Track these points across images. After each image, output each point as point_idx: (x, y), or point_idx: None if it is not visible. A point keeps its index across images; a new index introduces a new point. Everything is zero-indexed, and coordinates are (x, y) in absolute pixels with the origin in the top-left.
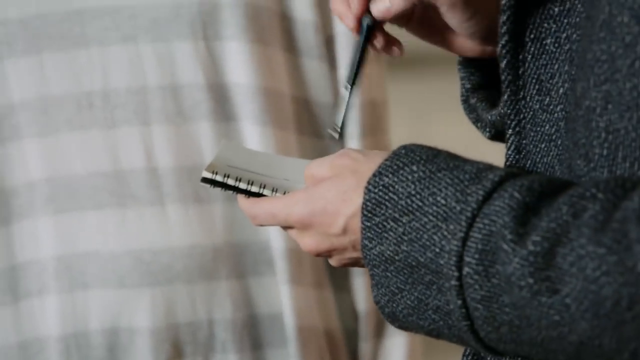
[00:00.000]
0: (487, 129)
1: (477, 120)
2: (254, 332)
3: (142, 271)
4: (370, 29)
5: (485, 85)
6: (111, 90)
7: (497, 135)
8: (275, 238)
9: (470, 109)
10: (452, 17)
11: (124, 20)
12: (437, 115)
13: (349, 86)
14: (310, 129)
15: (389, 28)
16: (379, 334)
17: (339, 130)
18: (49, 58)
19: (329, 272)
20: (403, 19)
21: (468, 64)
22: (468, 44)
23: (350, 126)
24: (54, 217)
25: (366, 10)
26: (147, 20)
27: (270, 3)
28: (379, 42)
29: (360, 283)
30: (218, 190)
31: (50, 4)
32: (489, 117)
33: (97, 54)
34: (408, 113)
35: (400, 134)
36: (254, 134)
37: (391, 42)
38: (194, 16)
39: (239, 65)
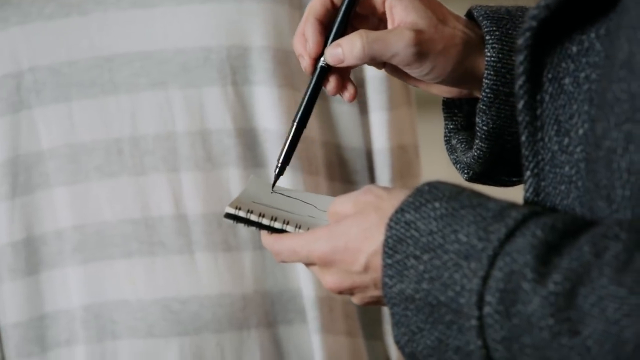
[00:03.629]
0: (465, 171)
1: (456, 162)
2: None
3: (171, 320)
4: (323, 71)
5: (466, 126)
6: (140, 137)
7: (475, 176)
8: (306, 286)
9: (451, 150)
10: (412, 72)
11: (153, 66)
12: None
13: (294, 124)
14: (340, 175)
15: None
16: None
17: (278, 166)
18: (78, 105)
19: (361, 320)
20: (376, 65)
21: (451, 104)
22: (442, 88)
23: (379, 171)
24: (83, 266)
25: (321, 52)
26: (177, 65)
27: None
28: (330, 84)
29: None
30: (247, 238)
31: (80, 51)
32: (465, 159)
33: (126, 100)
34: (445, 156)
35: (437, 176)
36: (284, 180)
37: (345, 86)
38: (223, 61)
39: (268, 111)
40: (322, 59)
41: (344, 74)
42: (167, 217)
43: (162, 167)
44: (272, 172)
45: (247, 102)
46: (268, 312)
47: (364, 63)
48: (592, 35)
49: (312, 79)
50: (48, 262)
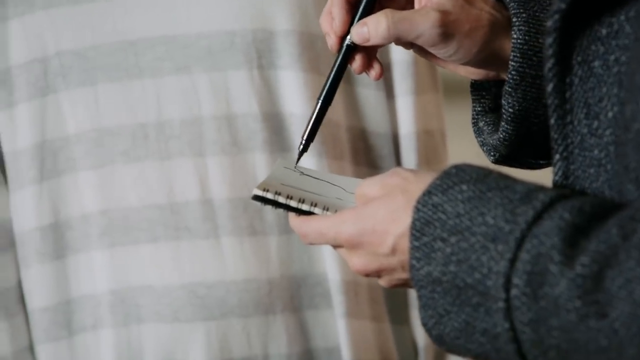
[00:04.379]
0: (492, 153)
1: (483, 144)
2: None
3: (197, 305)
4: (349, 49)
5: (493, 108)
6: (165, 122)
7: (501, 159)
8: (331, 270)
9: (478, 132)
10: (437, 53)
11: (178, 50)
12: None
13: (319, 102)
14: (366, 159)
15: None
16: None
17: (302, 143)
18: (104, 89)
19: (387, 305)
20: (404, 45)
21: (479, 86)
22: (469, 69)
23: (405, 156)
24: (109, 250)
25: (347, 30)
26: (201, 49)
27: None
28: (356, 62)
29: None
30: (273, 222)
31: (104, 35)
32: (492, 141)
33: (151, 84)
34: (474, 142)
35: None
36: (309, 165)
37: (371, 65)
38: (249, 45)
39: (294, 95)
40: (348, 37)
41: (371, 54)
42: (193, 202)
43: (187, 151)
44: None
45: (273, 86)
46: (294, 297)
47: (390, 42)
48: (622, 17)
49: (337, 57)
50: (74, 246)
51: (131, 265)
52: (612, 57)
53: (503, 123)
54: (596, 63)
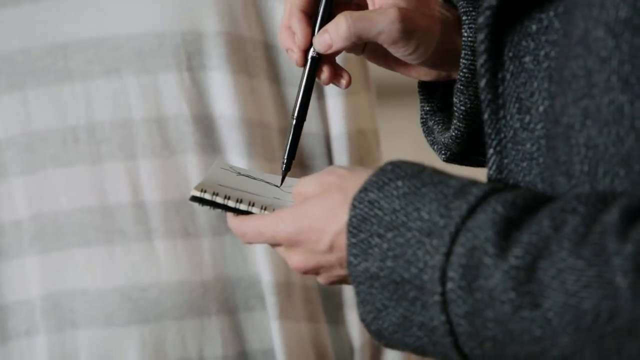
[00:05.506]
0: (443, 152)
1: (433, 143)
2: None
3: (131, 308)
4: (315, 61)
5: (443, 108)
6: (96, 125)
7: (452, 157)
8: (264, 271)
9: (428, 131)
10: (396, 52)
11: (108, 53)
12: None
13: (293, 119)
14: (298, 160)
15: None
16: None
17: (284, 163)
18: (33, 94)
19: (322, 305)
20: (355, 50)
21: (427, 87)
22: (422, 70)
23: (337, 156)
24: (41, 256)
25: (310, 43)
26: (131, 51)
27: (255, 33)
28: (324, 74)
29: (354, 315)
30: (206, 224)
31: (33, 39)
32: (443, 140)
33: (81, 88)
34: (409, 142)
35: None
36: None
37: (339, 74)
38: (178, 47)
39: (223, 97)
40: (311, 49)
41: (333, 62)
42: (125, 205)
43: (119, 154)
44: (229, 157)
45: (203, 88)
46: (228, 299)
47: (351, 43)
48: (552, 13)
49: (304, 71)
50: (6, 252)
51: (64, 270)
52: (542, 53)
53: (455, 121)
54: (527, 58)
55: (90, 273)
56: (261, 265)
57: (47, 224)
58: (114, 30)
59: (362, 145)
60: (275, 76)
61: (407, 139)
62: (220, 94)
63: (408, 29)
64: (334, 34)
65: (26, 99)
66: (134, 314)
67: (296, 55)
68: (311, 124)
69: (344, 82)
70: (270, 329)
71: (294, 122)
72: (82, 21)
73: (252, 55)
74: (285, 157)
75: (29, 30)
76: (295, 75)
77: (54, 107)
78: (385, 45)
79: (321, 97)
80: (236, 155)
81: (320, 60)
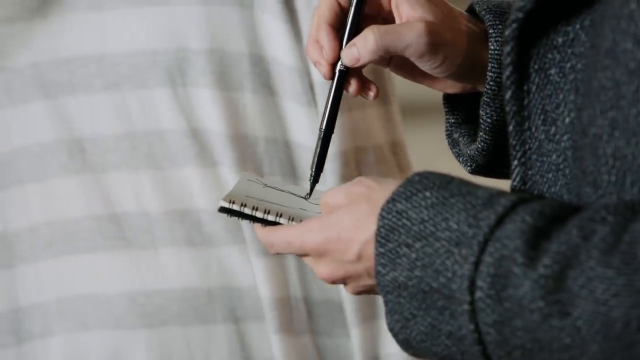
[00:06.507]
0: (469, 163)
1: (459, 155)
2: None
3: (137, 313)
4: (342, 74)
5: (468, 120)
6: (100, 136)
7: (478, 169)
8: (262, 288)
9: (453, 144)
10: (423, 65)
11: (108, 68)
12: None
13: (321, 131)
14: (290, 172)
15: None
16: None
17: (312, 175)
18: (42, 105)
19: (327, 320)
20: (382, 62)
21: (452, 99)
22: (448, 83)
23: (366, 168)
24: (54, 260)
25: (338, 56)
26: (128, 67)
27: (242, 47)
28: (352, 87)
29: (359, 331)
30: (212, 233)
31: (42, 53)
32: (469, 152)
33: (85, 101)
34: (418, 160)
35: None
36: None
37: (366, 86)
38: (170, 63)
39: (211, 113)
40: (339, 63)
41: (360, 74)
42: (130, 214)
43: (122, 165)
44: (224, 171)
45: (194, 103)
46: (235, 308)
47: (378, 57)
48: (577, 26)
49: (332, 84)
50: (23, 257)
51: (74, 275)
52: (568, 65)
53: (481, 133)
54: (553, 70)
55: (98, 277)
56: (259, 281)
57: (59, 230)
58: (113, 46)
59: (391, 156)
60: (265, 89)
61: (418, 156)
62: (208, 110)
63: (435, 42)
64: (361, 47)
65: (36, 110)
66: (140, 318)
67: (324, 68)
68: (303, 134)
69: (371, 94)
70: (269, 341)
71: (322, 134)
72: (86, 37)
73: (239, 70)
74: (314, 170)
75: (39, 45)
76: (288, 88)
77: (60, 119)
78: (412, 59)
79: (348, 109)
80: (228, 168)
81: (347, 73)
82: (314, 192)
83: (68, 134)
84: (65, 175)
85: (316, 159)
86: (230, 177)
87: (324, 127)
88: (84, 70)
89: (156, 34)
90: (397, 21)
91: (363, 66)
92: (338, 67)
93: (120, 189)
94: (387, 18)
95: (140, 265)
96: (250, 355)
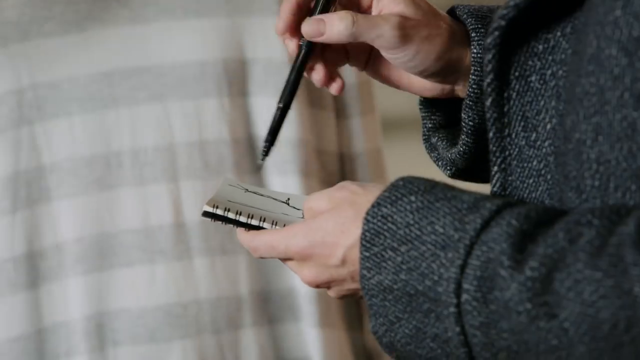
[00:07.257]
0: (448, 167)
1: (438, 159)
2: None
3: (173, 324)
4: (306, 50)
5: (445, 124)
6: (139, 149)
7: (457, 173)
8: (300, 283)
9: (431, 148)
10: (394, 58)
11: (152, 80)
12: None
13: (279, 106)
14: (318, 178)
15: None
16: None
17: (265, 149)
18: (79, 119)
19: (361, 314)
20: (359, 62)
21: (429, 103)
22: (426, 84)
23: (359, 174)
24: (84, 277)
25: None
26: (175, 79)
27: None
28: (318, 74)
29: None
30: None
31: (80, 67)
32: (449, 155)
33: (126, 113)
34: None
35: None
36: (277, 184)
37: (332, 78)
38: (220, 74)
39: (262, 120)
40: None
41: (332, 68)
42: (167, 226)
43: (161, 177)
44: (265, 176)
45: (243, 112)
46: (264, 311)
47: (347, 40)
48: (558, 33)
49: (296, 58)
50: (47, 275)
51: (107, 291)
52: (549, 72)
53: (463, 136)
54: (533, 77)
55: (133, 292)
56: (296, 277)
57: (90, 245)
58: (158, 58)
59: (379, 163)
60: (312, 99)
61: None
62: (259, 117)
63: (407, 34)
64: (335, 26)
65: (72, 124)
66: (176, 329)
67: (292, 45)
68: (330, 142)
69: (335, 86)
70: (305, 338)
71: (279, 108)
72: (127, 50)
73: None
74: (266, 142)
75: (75, 59)
76: (319, 97)
77: (99, 132)
78: (382, 52)
79: (340, 116)
80: (273, 173)
81: (311, 51)
82: (295, 198)
83: (106, 148)
84: (100, 190)
85: (271, 133)
86: (273, 183)
87: (281, 104)
88: (127, 83)
89: (206, 45)
90: (374, 12)
91: (335, 62)
92: (300, 41)
93: (159, 202)
94: (366, 13)
95: (176, 277)
96: (280, 355)
